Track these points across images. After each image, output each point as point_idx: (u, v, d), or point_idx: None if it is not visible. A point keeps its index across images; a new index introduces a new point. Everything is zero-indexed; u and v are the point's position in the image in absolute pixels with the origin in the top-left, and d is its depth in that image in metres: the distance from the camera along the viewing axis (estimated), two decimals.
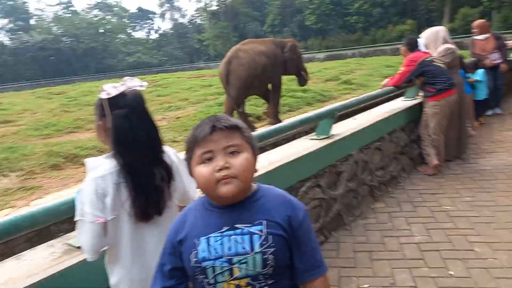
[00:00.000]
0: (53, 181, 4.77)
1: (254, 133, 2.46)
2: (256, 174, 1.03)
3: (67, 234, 1.85)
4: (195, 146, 0.97)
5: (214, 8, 52.82)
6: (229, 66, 5.86)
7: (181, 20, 61.60)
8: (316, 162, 2.91)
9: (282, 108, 7.25)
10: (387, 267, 2.63)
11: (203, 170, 0.94)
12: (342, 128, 3.41)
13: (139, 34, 62.57)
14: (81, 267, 1.53)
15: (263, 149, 3.04)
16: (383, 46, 27.60)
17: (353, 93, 9.49)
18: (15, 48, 45.90)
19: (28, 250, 1.74)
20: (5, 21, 51.11)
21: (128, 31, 59.13)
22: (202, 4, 54.60)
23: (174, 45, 57.34)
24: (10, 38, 49.54)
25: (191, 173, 1.00)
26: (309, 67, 9.80)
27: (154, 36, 62.28)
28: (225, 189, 0.93)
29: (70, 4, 55.67)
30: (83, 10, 55.47)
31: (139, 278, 1.34)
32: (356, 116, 3.98)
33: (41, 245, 1.76)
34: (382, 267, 2.65)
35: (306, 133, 3.68)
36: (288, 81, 8.63)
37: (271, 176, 2.43)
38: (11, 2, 50.73)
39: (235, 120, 1.00)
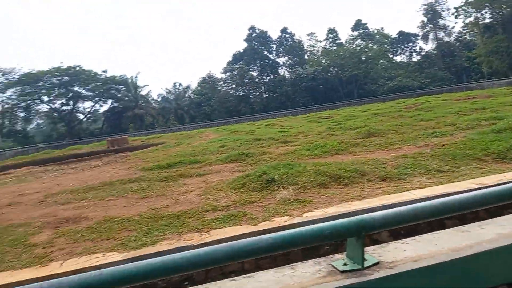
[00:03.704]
0: (321, 197, 5.35)
1: None
2: None
3: (332, 255, 1.98)
4: None
5: (488, 20, 45.91)
6: None
7: (446, 38, 56.90)
8: None
9: None
10: None
11: None
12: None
13: (400, 58, 62.04)
14: None
15: None
16: None
17: None
18: (293, 80, 54.92)
19: (300, 262, 1.95)
20: (285, 58, 62.13)
21: (389, 56, 59.72)
22: (472, 19, 48.52)
23: (439, 66, 53.46)
24: (288, 72, 59.78)
25: None
26: None
27: (415, 58, 60.21)
28: None
29: (337, 38, 61.63)
30: (347, 42, 60.18)
31: None
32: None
33: (310, 260, 1.95)
34: None
35: None
36: None
37: None
38: (290, 43, 61.18)
39: None
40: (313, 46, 63.09)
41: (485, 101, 14.69)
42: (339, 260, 1.83)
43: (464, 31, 55.13)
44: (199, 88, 58.54)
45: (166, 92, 59.38)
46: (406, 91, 43.83)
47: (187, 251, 1.51)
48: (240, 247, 1.55)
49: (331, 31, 61.55)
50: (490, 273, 1.76)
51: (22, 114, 50.27)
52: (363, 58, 53.82)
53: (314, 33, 63.21)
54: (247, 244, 1.55)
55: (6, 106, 48.63)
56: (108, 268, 1.31)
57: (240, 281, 1.76)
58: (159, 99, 59.37)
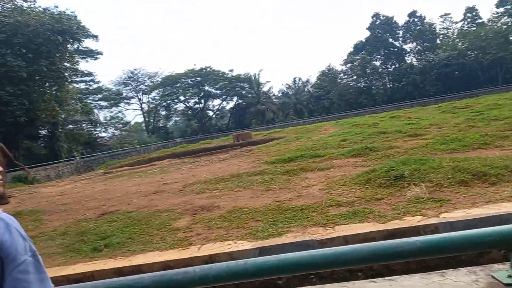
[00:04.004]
0: (461, 197, 4.74)
1: None
2: None
3: (492, 265, 1.72)
4: None
5: None
6: None
7: None
8: None
9: None
10: None
11: None
12: None
13: None
14: None
15: None
16: None
17: None
18: (422, 67, 50.09)
19: (451, 270, 1.74)
20: (413, 44, 57.03)
21: None
22: None
23: None
24: (417, 59, 54.74)
25: None
26: None
27: None
28: None
29: (477, 17, 53.93)
30: (490, 21, 52.08)
31: None
32: None
33: (463, 268, 1.73)
34: None
35: None
36: None
37: None
38: (419, 27, 55.78)
39: None
40: (447, 29, 56.53)
41: None
42: (502, 271, 1.57)
43: None
44: (318, 81, 58.25)
45: (286, 87, 60.77)
46: None
47: (326, 248, 1.46)
48: (383, 248, 1.43)
49: (470, 9, 54.12)
50: None
51: (163, 113, 57.74)
52: (511, 38, 45.94)
53: (449, 14, 56.49)
54: (391, 246, 1.42)
55: (151, 106, 56.41)
56: (252, 259, 1.37)
57: (381, 284, 1.65)
58: (279, 95, 61.10)
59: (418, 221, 4.19)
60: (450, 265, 2.29)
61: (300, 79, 60.22)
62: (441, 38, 56.66)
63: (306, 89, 58.98)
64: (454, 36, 54.44)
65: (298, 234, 4.42)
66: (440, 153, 7.52)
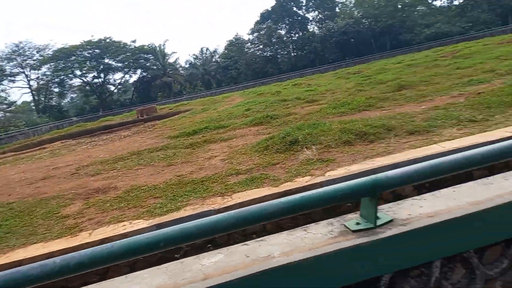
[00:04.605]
0: (345, 156, 5.18)
1: None
2: None
3: (345, 215, 1.89)
4: None
5: None
6: None
7: None
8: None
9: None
10: None
11: None
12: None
13: (441, 2, 57.39)
14: (351, 252, 1.53)
15: None
16: None
17: None
18: (322, 35, 52.72)
19: (313, 224, 1.87)
20: (315, 13, 59.49)
21: (428, 1, 55.54)
22: None
23: (483, 8, 49.19)
24: (318, 27, 57.34)
25: None
26: None
27: (457, 1, 55.43)
28: None
29: None
30: None
31: None
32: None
33: (323, 221, 1.87)
34: None
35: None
36: None
37: None
38: None
39: None
40: None
41: None
42: (353, 219, 1.73)
43: None
44: (226, 51, 57.77)
45: (194, 58, 59.23)
46: (445, 38, 41.03)
47: (200, 219, 1.46)
48: (249, 213, 1.47)
49: None
50: (508, 224, 1.62)
51: (56, 90, 52.15)
52: (399, 6, 50.55)
53: None
54: (256, 210, 1.47)
55: (42, 82, 50.47)
56: (119, 241, 1.29)
57: (251, 246, 1.70)
58: (187, 66, 59.38)
59: (306, 181, 4.49)
60: (331, 217, 2.43)
61: (207, 49, 59.08)
62: (340, 6, 59.78)
63: (214, 60, 58.17)
64: (352, 5, 57.83)
65: (197, 206, 4.43)
66: (332, 117, 8.07)
